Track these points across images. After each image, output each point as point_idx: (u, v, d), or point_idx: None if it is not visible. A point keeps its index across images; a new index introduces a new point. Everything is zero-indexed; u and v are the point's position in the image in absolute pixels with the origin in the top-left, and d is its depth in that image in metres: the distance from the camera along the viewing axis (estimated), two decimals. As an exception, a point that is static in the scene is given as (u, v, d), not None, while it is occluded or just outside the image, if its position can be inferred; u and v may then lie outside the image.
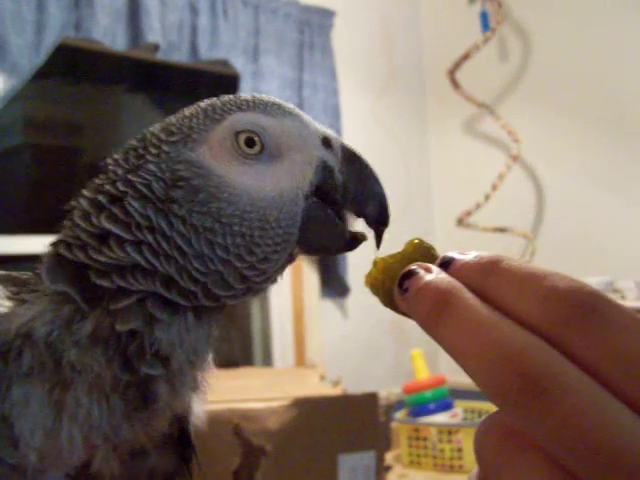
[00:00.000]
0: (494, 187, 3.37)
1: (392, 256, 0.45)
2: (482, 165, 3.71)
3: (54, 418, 0.56)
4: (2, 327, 0.58)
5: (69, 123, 3.04)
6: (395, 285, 0.40)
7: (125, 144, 0.65)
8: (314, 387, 2.20)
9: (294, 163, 0.64)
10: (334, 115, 3.27)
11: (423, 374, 2.86)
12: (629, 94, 3.28)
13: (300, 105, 3.14)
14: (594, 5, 3.40)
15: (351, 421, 1.97)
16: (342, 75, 3.39)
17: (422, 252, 0.44)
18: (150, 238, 0.59)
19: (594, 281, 2.90)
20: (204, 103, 0.66)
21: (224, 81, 3.12)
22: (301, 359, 3.20)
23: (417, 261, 0.41)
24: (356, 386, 2.48)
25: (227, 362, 2.86)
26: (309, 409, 1.90)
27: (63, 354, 0.57)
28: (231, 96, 0.66)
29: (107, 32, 2.54)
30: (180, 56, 2.78)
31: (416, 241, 0.45)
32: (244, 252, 0.61)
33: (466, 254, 0.39)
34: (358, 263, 3.23)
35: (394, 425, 2.81)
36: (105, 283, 0.59)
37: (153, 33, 2.63)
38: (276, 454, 1.84)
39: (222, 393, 1.85)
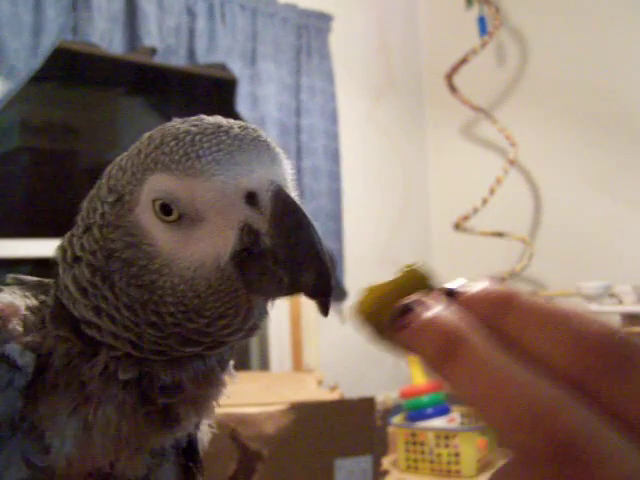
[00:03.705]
0: (491, 191, 3.37)
1: (387, 284, 0.40)
2: (479, 169, 3.71)
3: (83, 430, 0.59)
4: (29, 344, 0.60)
5: (66, 127, 3.04)
6: (393, 318, 0.36)
7: (93, 188, 0.64)
8: (311, 392, 2.20)
9: (215, 227, 0.57)
10: (331, 119, 3.27)
11: (420, 379, 2.85)
12: (626, 98, 3.28)
13: (297, 109, 3.14)
14: (591, 10, 3.41)
15: (348, 426, 1.97)
16: (340, 79, 3.39)
17: (419, 280, 0.39)
18: (104, 306, 0.60)
19: (591, 285, 2.90)
20: (136, 149, 0.61)
21: (221, 85, 3.12)
22: (298, 363, 3.20)
23: (415, 289, 0.37)
24: (353, 390, 2.47)
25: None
26: (306, 414, 1.89)
27: (85, 381, 0.60)
28: (157, 140, 0.59)
29: (104, 35, 2.54)
30: (177, 60, 2.78)
31: (412, 267, 0.40)
32: (193, 316, 0.58)
33: (470, 285, 0.35)
34: (355, 267, 3.23)
35: (391, 430, 2.80)
36: (94, 334, 0.60)
37: (151, 37, 2.63)
38: (273, 459, 1.84)
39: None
